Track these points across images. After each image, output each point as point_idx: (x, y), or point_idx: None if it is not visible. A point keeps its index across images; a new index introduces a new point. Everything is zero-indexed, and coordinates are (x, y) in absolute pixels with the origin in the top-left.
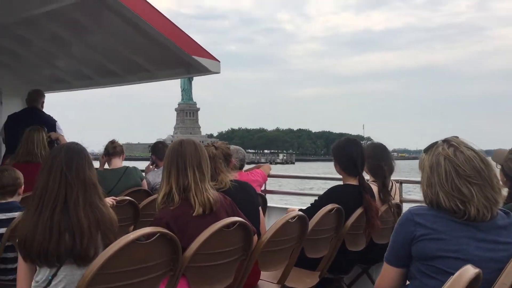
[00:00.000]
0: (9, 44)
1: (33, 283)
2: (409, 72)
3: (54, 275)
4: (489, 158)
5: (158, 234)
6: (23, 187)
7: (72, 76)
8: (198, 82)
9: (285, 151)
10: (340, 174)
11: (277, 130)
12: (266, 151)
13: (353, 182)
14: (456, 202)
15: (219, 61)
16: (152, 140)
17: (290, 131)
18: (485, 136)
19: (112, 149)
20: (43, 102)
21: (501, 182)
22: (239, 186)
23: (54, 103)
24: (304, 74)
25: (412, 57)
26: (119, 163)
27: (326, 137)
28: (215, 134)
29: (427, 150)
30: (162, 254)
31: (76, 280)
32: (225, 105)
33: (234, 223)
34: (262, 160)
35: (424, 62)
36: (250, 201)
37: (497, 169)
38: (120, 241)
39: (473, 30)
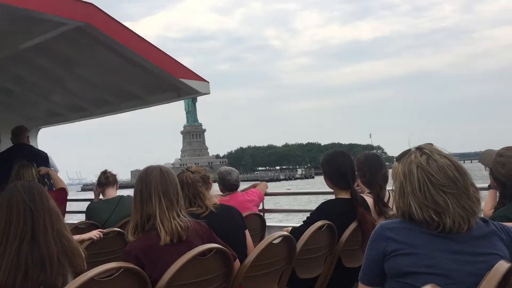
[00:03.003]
0: (2, 81)
1: None
2: (401, 79)
3: None
4: (464, 162)
5: (122, 269)
6: None
7: (67, 109)
8: (198, 104)
9: (303, 166)
10: (331, 188)
11: (287, 145)
12: (277, 167)
13: (345, 195)
14: (430, 213)
15: (208, 82)
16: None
17: (299, 145)
18: (482, 136)
19: (105, 179)
20: (28, 136)
21: (489, 185)
22: (221, 210)
23: (54, 136)
24: (297, 89)
25: (402, 64)
26: (113, 193)
27: (336, 148)
28: (222, 154)
29: (399, 158)
30: None
31: None
32: (224, 125)
33: (210, 250)
34: (281, 177)
35: (416, 68)
36: (234, 224)
37: (474, 173)
38: (79, 278)
39: (460, 33)
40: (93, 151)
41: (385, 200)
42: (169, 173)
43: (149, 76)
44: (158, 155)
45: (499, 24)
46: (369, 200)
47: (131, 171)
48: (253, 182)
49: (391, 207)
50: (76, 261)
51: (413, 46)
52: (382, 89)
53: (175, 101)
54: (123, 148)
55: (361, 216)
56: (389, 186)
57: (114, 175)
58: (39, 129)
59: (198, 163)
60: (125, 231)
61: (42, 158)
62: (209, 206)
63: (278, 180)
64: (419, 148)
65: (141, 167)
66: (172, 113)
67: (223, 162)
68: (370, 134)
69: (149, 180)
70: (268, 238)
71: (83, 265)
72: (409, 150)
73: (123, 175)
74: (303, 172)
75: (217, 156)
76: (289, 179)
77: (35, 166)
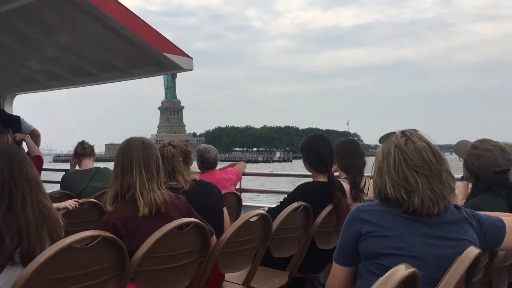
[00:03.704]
0: None
1: None
2: (380, 68)
3: None
4: (444, 154)
5: (100, 238)
6: None
7: (46, 77)
8: (177, 81)
9: (281, 149)
10: (309, 171)
11: (265, 127)
12: (254, 149)
13: (322, 179)
14: (401, 191)
15: (192, 58)
16: None
17: (278, 128)
18: (458, 129)
19: (82, 150)
20: (0, 103)
21: (462, 176)
22: (199, 186)
23: (27, 104)
24: (276, 71)
25: (382, 53)
26: (90, 164)
27: (314, 133)
28: (199, 133)
29: (382, 140)
30: (105, 259)
31: None
32: (201, 103)
33: (188, 224)
34: (259, 159)
35: (395, 58)
36: (212, 201)
37: (451, 164)
38: (56, 245)
39: (440, 26)
40: (65, 122)
41: (361, 186)
42: (151, 145)
43: (132, 49)
44: (134, 129)
45: (479, 19)
46: (346, 185)
47: (106, 144)
48: (230, 162)
49: (366, 193)
50: (55, 230)
51: (393, 36)
52: (360, 77)
53: (157, 75)
54: (97, 121)
55: (337, 199)
56: (366, 173)
57: (92, 146)
58: (15, 95)
59: (174, 140)
60: (101, 202)
61: (15, 122)
62: (188, 181)
63: (256, 161)
64: (402, 131)
65: (116, 141)
66: (151, 88)
67: (200, 141)
68: (348, 121)
69: (131, 151)
70: (246, 215)
71: (62, 235)
72: (393, 132)
73: (98, 148)
74: (281, 155)
75: (194, 134)
76: (267, 161)
77: (10, 132)
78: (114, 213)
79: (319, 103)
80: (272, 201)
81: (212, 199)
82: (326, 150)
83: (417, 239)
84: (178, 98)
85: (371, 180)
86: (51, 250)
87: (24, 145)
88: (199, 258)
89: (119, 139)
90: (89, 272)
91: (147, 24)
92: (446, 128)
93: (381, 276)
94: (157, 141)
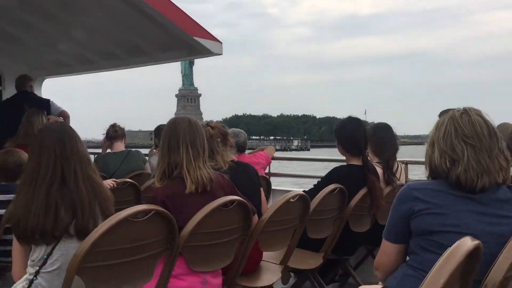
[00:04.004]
0: (8, 27)
1: (28, 262)
2: (398, 57)
3: (50, 254)
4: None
5: (153, 212)
6: None
7: (74, 60)
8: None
9: (298, 138)
10: (343, 155)
11: (282, 116)
12: (271, 137)
13: (357, 162)
14: (446, 159)
15: (221, 42)
16: (152, 127)
17: (295, 117)
18: None
19: (114, 133)
20: (32, 86)
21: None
22: (238, 167)
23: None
24: (292, 60)
25: (399, 41)
26: (121, 146)
27: (331, 123)
28: (216, 120)
29: (441, 114)
30: (158, 232)
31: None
32: (219, 91)
33: (232, 202)
34: (277, 147)
35: (412, 47)
36: (250, 181)
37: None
38: (112, 218)
39: (459, 15)
40: (82, 109)
41: (393, 170)
42: (196, 124)
43: (162, 32)
44: (151, 117)
45: (498, 8)
46: (378, 169)
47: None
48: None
49: (398, 178)
50: (106, 205)
51: (410, 24)
52: (378, 65)
53: (185, 59)
54: (114, 108)
55: (371, 183)
56: (399, 157)
57: (123, 129)
58: (44, 79)
59: (212, 121)
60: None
61: (44, 105)
62: (227, 161)
63: (275, 150)
64: (463, 107)
65: (133, 128)
66: (167, 75)
67: None
68: (365, 111)
69: (177, 129)
70: (286, 195)
71: (113, 210)
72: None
73: None
74: (299, 144)
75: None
76: (285, 149)
77: (45, 113)
78: (162, 189)
79: (336, 91)
80: (302, 186)
81: (250, 179)
82: (360, 134)
83: (471, 217)
84: (195, 85)
85: (403, 164)
86: (109, 222)
87: None
88: (242, 236)
89: (134, 127)
90: (143, 245)
91: (178, 7)
92: None
93: (436, 253)
94: None
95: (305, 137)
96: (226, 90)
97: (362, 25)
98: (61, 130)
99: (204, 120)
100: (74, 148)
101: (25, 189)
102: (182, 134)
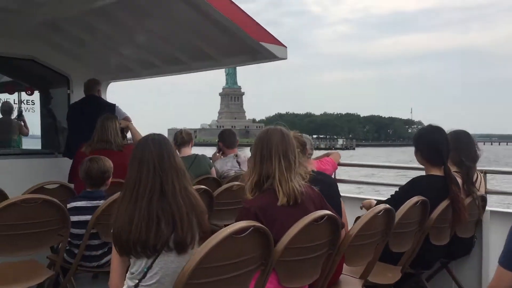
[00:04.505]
0: (75, 31)
1: (127, 275)
2: (444, 54)
3: (150, 267)
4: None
5: (252, 227)
6: (111, 179)
7: (138, 65)
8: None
9: (343, 137)
10: (422, 164)
11: (325, 114)
12: (314, 136)
13: (438, 172)
14: None
15: (286, 47)
16: (196, 125)
17: (338, 115)
18: None
19: (181, 139)
20: (99, 90)
21: None
22: (320, 177)
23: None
24: (335, 58)
25: (446, 38)
26: (189, 151)
27: (375, 121)
28: (258, 119)
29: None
30: (255, 248)
31: (171, 273)
32: (262, 90)
33: (322, 216)
34: (321, 146)
35: (460, 44)
36: (332, 192)
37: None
38: (218, 234)
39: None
40: (127, 108)
41: (473, 180)
42: (289, 136)
43: (227, 37)
44: (195, 115)
45: None
46: (458, 179)
47: (168, 129)
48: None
49: (478, 188)
50: (202, 219)
51: (459, 20)
52: (424, 63)
53: (249, 64)
54: (159, 107)
55: (454, 194)
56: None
57: (190, 134)
58: (109, 83)
59: (234, 126)
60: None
61: (110, 110)
62: (308, 172)
63: (319, 149)
64: None
65: (178, 126)
66: (211, 74)
67: (259, 127)
68: (411, 109)
69: (270, 140)
70: (373, 209)
71: (207, 222)
72: None
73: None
74: (344, 143)
75: (254, 121)
76: (330, 148)
77: (118, 119)
78: (254, 201)
79: (380, 90)
80: (369, 193)
81: (332, 189)
82: (443, 143)
83: None
84: (239, 84)
85: (482, 174)
86: (215, 238)
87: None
88: (329, 251)
89: (180, 125)
90: (242, 261)
91: (243, 11)
92: None
93: None
94: (217, 126)
95: (350, 135)
96: (269, 88)
97: (409, 22)
98: (159, 141)
99: (247, 118)
100: (172, 160)
101: (126, 201)
102: (275, 145)
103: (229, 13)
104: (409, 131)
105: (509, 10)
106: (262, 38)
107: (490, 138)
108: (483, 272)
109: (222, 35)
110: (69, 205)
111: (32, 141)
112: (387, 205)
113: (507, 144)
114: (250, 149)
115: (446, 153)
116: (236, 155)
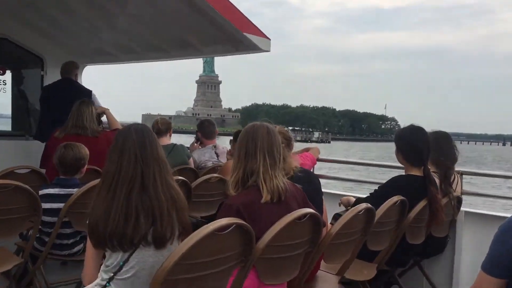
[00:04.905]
0: (51, 11)
1: (102, 267)
2: (418, 52)
3: (126, 261)
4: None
5: (234, 225)
6: (86, 167)
7: (117, 49)
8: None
9: (318, 130)
10: (401, 163)
11: (302, 106)
12: (290, 127)
13: (417, 173)
14: None
15: (270, 39)
16: (171, 112)
17: (314, 108)
18: (496, 120)
19: (157, 130)
20: (77, 74)
21: None
22: (304, 172)
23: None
24: (312, 50)
25: (420, 37)
26: (167, 140)
27: (350, 116)
28: (234, 108)
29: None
30: (237, 245)
31: (148, 267)
32: (239, 80)
33: (305, 214)
34: (297, 138)
35: (433, 43)
36: (315, 190)
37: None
38: (200, 231)
39: (482, 13)
40: (98, 91)
41: (451, 180)
42: (274, 132)
43: (210, 26)
44: (171, 102)
45: None
46: (435, 179)
47: (143, 115)
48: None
49: (455, 189)
50: (183, 214)
51: (433, 20)
52: (398, 60)
53: (230, 55)
54: (134, 92)
55: (432, 196)
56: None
57: (168, 123)
58: (85, 66)
59: (210, 114)
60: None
61: (86, 96)
62: (292, 168)
63: (295, 141)
64: None
65: (153, 111)
66: (188, 60)
67: (235, 116)
68: (386, 105)
69: (255, 136)
70: (354, 208)
71: (188, 219)
72: None
73: (135, 119)
74: (320, 136)
75: (230, 110)
76: (305, 141)
77: (93, 104)
78: (237, 198)
79: (355, 84)
80: (346, 188)
81: (314, 187)
82: (424, 144)
83: None
84: (216, 72)
85: (458, 175)
86: (198, 235)
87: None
88: (308, 249)
89: (155, 110)
90: (222, 258)
91: (230, 2)
92: (480, 117)
93: None
94: (193, 114)
95: (326, 129)
96: (246, 78)
97: (384, 19)
98: (141, 131)
99: (223, 107)
100: (155, 152)
101: (104, 192)
102: (260, 141)
103: (216, 3)
104: (383, 127)
105: (479, 14)
106: (245, 28)
107: (458, 137)
108: (454, 270)
109: (204, 23)
110: (41, 192)
111: (1, 121)
112: (369, 204)
113: (475, 144)
114: (230, 142)
115: (427, 154)
116: (215, 146)
